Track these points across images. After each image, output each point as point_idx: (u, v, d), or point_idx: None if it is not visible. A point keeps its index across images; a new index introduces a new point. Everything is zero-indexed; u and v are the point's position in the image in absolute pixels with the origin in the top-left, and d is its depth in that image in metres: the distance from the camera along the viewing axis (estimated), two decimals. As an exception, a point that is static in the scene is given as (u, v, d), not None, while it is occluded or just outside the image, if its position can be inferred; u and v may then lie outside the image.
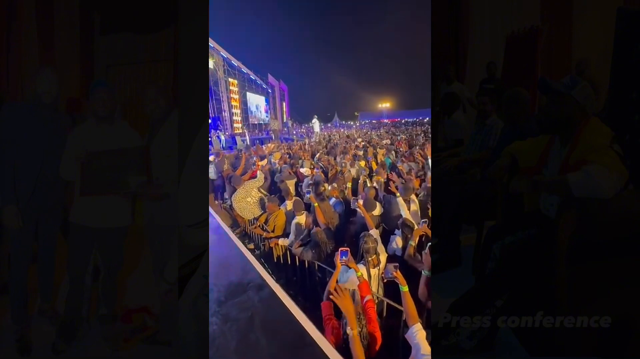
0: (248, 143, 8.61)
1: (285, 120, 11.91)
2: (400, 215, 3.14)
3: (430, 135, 8.01)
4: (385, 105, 11.33)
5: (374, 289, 2.40)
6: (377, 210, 3.26)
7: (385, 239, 2.99)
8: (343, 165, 5.31)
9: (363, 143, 7.44)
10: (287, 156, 6.30)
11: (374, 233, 2.76)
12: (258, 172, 4.74)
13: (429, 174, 3.98)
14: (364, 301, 2.06)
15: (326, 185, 4.12)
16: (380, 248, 2.63)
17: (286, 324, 1.91)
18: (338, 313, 2.01)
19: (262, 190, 4.40)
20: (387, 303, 2.29)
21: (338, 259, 2.24)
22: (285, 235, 3.63)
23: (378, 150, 6.30)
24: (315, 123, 10.92)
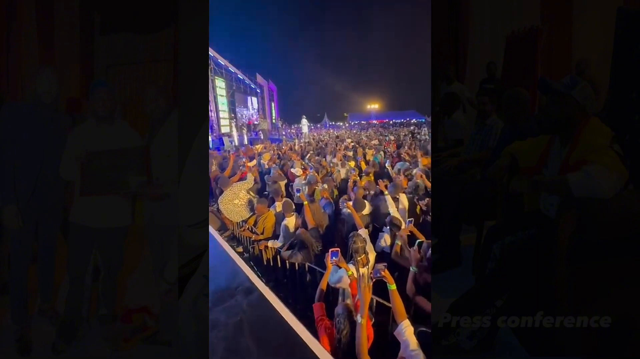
0: (236, 143, 8.48)
1: (274, 121, 11.84)
2: (389, 213, 3.15)
3: (416, 136, 8.18)
4: (374, 106, 11.38)
5: (358, 289, 2.42)
6: (367, 210, 3.27)
7: (375, 237, 3.00)
8: (332, 165, 5.30)
9: (352, 144, 7.45)
10: (277, 157, 6.27)
11: (363, 232, 2.77)
12: (248, 174, 4.60)
13: (415, 171, 3.99)
14: (355, 299, 2.08)
15: (318, 185, 4.09)
16: (369, 247, 2.65)
17: (276, 327, 1.89)
18: (330, 313, 2.02)
19: (251, 192, 4.27)
20: (376, 300, 2.32)
21: (329, 260, 2.26)
22: (275, 236, 3.56)
23: (367, 150, 6.31)
24: (304, 124, 10.90)
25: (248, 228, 3.77)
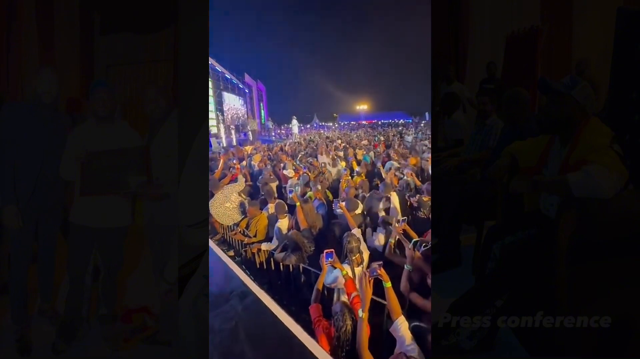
0: (224, 144, 8.36)
1: (264, 122, 11.76)
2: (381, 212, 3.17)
3: (404, 136, 8.29)
4: (363, 107, 11.41)
5: (358, 286, 2.44)
6: (359, 209, 3.27)
7: (368, 235, 3.00)
8: (323, 165, 5.29)
9: (343, 144, 7.45)
10: (267, 158, 6.23)
11: (357, 232, 2.78)
12: (239, 175, 4.52)
13: (406, 170, 4.01)
14: (351, 297, 2.10)
15: (311, 186, 4.07)
16: (363, 246, 2.65)
17: (273, 330, 1.89)
18: (326, 314, 2.03)
19: (243, 194, 4.13)
20: (371, 298, 2.34)
21: (324, 260, 2.27)
22: (268, 239, 3.49)
23: (357, 150, 6.32)
24: (295, 125, 10.86)
25: (240, 231, 3.70)
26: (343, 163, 5.36)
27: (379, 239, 2.92)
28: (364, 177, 4.36)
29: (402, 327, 1.75)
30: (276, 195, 4.09)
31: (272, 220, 3.57)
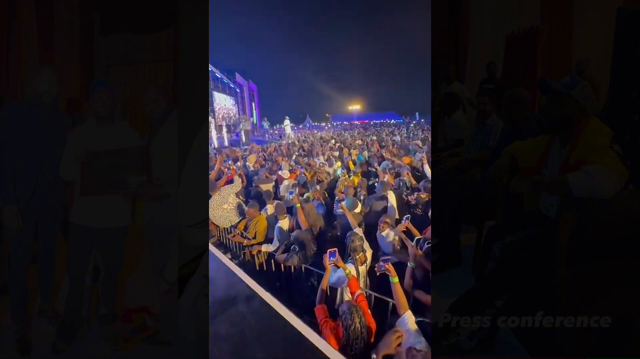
0: (215, 145, 8.28)
1: (255, 122, 11.67)
2: (380, 212, 3.17)
3: (397, 136, 8.37)
4: (355, 107, 11.43)
5: (361, 285, 2.45)
6: (359, 208, 3.28)
7: (367, 236, 3.00)
8: (321, 165, 5.29)
9: (338, 144, 7.45)
10: (262, 159, 6.21)
11: (359, 231, 2.78)
12: (234, 176, 4.46)
13: (405, 171, 4.03)
14: (355, 296, 2.12)
15: (310, 186, 4.07)
16: (366, 245, 2.66)
17: (282, 332, 1.88)
18: (332, 314, 2.04)
19: (240, 196, 4.14)
20: (375, 296, 2.37)
21: (327, 260, 2.28)
22: (268, 241, 3.46)
23: (352, 151, 6.33)
24: (287, 125, 10.83)
25: (238, 234, 3.66)
26: (338, 163, 5.37)
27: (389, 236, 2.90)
28: (360, 177, 4.37)
29: (409, 321, 1.78)
30: (274, 196, 4.09)
31: (271, 221, 3.56)
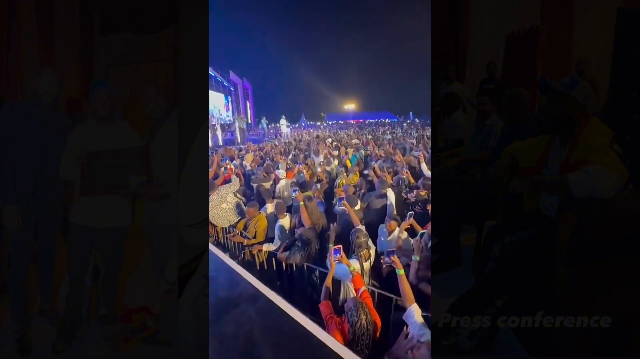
0: (210, 144, 8.23)
1: (249, 120, 11.57)
2: (379, 209, 3.18)
3: (392, 135, 8.38)
4: (350, 106, 11.43)
5: (365, 281, 2.46)
6: (359, 205, 3.29)
7: (369, 232, 3.01)
8: (321, 164, 5.30)
9: (335, 143, 7.45)
10: (259, 158, 6.19)
11: (362, 228, 2.79)
12: (232, 176, 4.41)
13: (405, 170, 4.05)
14: (360, 292, 2.14)
15: (306, 185, 4.07)
16: (370, 241, 2.67)
17: (289, 330, 1.88)
18: (337, 310, 2.05)
19: (238, 195, 4.11)
20: (378, 292, 2.39)
21: (332, 257, 2.29)
22: (269, 240, 3.44)
23: (348, 149, 6.34)
24: (283, 124, 10.79)
25: (238, 233, 3.63)
26: (336, 162, 5.38)
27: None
28: (358, 175, 4.37)
29: (415, 313, 1.80)
30: (273, 195, 4.09)
31: (271, 219, 3.56)
